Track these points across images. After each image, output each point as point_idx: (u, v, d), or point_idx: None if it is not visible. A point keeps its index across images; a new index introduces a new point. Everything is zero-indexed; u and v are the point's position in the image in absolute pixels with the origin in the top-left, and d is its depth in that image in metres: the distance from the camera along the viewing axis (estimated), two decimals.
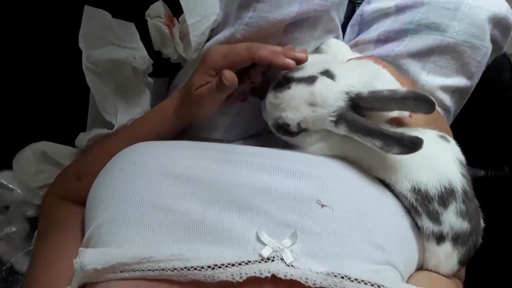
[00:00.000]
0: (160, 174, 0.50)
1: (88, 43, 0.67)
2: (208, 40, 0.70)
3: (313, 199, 0.49)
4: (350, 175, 0.54)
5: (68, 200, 0.64)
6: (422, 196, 0.53)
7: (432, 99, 0.51)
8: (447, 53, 0.69)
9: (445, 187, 0.53)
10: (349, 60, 0.65)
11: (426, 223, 0.54)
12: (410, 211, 0.55)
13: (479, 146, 0.91)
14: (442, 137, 0.58)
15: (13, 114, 0.75)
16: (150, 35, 0.70)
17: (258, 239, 0.45)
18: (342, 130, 0.53)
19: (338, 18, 0.72)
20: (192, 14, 0.67)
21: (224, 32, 0.68)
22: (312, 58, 0.59)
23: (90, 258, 0.44)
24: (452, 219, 0.53)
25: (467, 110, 0.89)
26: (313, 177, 0.51)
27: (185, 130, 0.70)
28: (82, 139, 0.71)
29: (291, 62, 0.57)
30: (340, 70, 0.57)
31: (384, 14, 0.76)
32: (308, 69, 0.58)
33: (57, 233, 0.59)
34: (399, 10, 0.74)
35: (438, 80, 0.70)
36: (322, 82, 0.55)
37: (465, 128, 0.91)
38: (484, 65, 0.72)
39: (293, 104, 0.55)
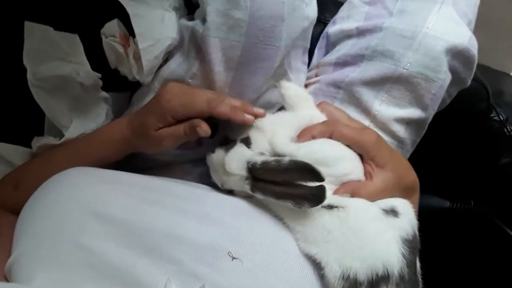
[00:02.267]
0: (81, 210, 0.51)
1: (33, 59, 0.66)
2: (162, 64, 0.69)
3: (225, 250, 0.49)
4: (267, 225, 0.54)
5: (3, 208, 0.64)
6: (350, 283, 0.49)
7: (316, 168, 0.49)
8: (400, 83, 0.67)
9: (377, 274, 0.49)
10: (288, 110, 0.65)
11: None
12: None
13: (448, 176, 0.89)
14: (389, 211, 0.55)
15: None
16: (106, 54, 0.69)
17: None
18: (259, 196, 0.55)
19: (298, 58, 0.71)
20: (145, 38, 0.65)
21: (176, 61, 0.67)
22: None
23: None
24: None
25: (441, 137, 0.86)
26: (229, 226, 0.52)
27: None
28: (34, 144, 0.71)
29: (250, 118, 0.59)
30: (259, 136, 0.60)
31: (347, 36, 0.74)
32: (237, 133, 0.62)
33: None
34: (360, 33, 0.72)
35: (391, 110, 0.68)
36: (235, 150, 0.59)
37: (437, 156, 0.89)
38: (441, 97, 0.69)
39: (214, 167, 0.62)
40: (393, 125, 0.69)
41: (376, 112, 0.68)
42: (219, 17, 0.61)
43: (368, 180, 0.59)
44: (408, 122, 0.69)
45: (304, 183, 0.51)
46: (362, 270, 0.49)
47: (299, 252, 0.53)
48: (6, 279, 0.51)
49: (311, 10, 0.69)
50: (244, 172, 0.56)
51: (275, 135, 0.59)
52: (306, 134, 0.60)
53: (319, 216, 0.53)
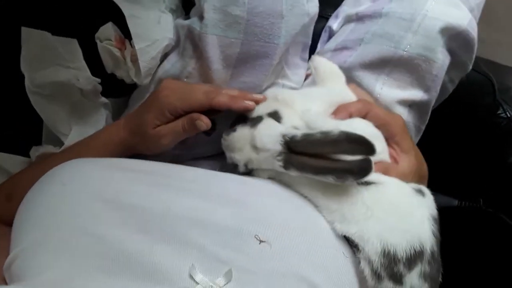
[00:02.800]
0: (90, 198, 0.47)
1: (30, 66, 0.65)
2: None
3: (252, 233, 0.46)
4: (294, 207, 0.52)
5: None
6: (390, 260, 0.49)
7: (369, 140, 0.47)
8: (401, 66, 0.66)
9: (415, 250, 0.49)
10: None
11: (387, 285, 0.49)
12: (371, 274, 0.49)
13: (456, 174, 0.87)
14: (418, 191, 0.55)
15: None
16: (102, 58, 0.68)
17: (191, 276, 0.43)
18: (293, 172, 0.51)
19: (296, 54, 0.70)
20: (141, 39, 0.64)
21: (171, 60, 0.66)
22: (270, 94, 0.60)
23: None
24: (414, 280, 0.50)
25: (447, 133, 0.85)
26: (253, 208, 0.49)
27: None
28: (33, 153, 0.70)
29: (251, 103, 0.57)
30: (288, 111, 0.57)
31: (347, 21, 0.74)
32: (258, 109, 0.58)
33: None
34: (359, 18, 0.71)
35: (393, 92, 0.67)
36: (264, 125, 0.55)
37: (444, 154, 0.87)
38: (441, 78, 0.68)
39: (238, 146, 0.57)
40: (396, 107, 0.67)
41: (378, 95, 0.67)
42: (217, 14, 0.60)
43: (394, 163, 0.58)
44: (410, 105, 0.68)
45: (347, 157, 0.48)
46: (401, 245, 0.49)
47: (331, 234, 0.50)
48: (5, 281, 0.48)
49: (312, 6, 0.68)
50: (278, 147, 0.51)
51: (308, 110, 0.56)
52: (343, 111, 0.58)
53: (357, 193, 0.51)
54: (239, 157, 0.57)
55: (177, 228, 0.46)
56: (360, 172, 0.47)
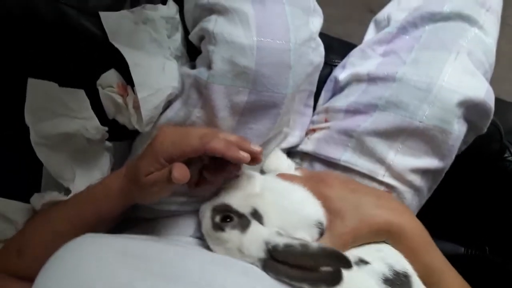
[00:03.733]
0: None
1: (35, 117, 0.63)
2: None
3: None
4: None
5: (7, 273, 0.61)
6: None
7: (347, 257, 0.49)
8: (416, 136, 0.64)
9: None
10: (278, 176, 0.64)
11: None
12: None
13: (462, 221, 0.85)
14: (359, 262, 0.57)
15: None
16: (103, 105, 0.67)
17: None
18: (271, 276, 0.53)
19: (301, 102, 0.69)
20: (144, 87, 0.63)
21: (175, 108, 0.65)
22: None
23: None
24: None
25: (453, 180, 0.83)
26: None
27: None
28: (36, 201, 0.68)
29: (245, 155, 0.55)
30: (266, 208, 0.58)
31: (356, 80, 0.72)
32: (241, 203, 0.59)
33: None
34: (371, 80, 0.69)
35: (407, 160, 0.65)
36: (253, 231, 0.56)
37: (450, 201, 0.86)
38: (458, 147, 0.67)
39: (226, 246, 0.57)
40: (409, 175, 0.66)
41: (391, 162, 0.65)
42: (225, 65, 0.59)
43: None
44: (424, 171, 0.67)
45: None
46: None
47: None
48: None
49: (316, 55, 0.67)
50: (262, 254, 0.53)
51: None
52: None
53: None
54: (222, 253, 0.57)
55: None
56: (332, 281, 0.50)
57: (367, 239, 0.59)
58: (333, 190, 0.62)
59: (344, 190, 0.62)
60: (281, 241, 0.53)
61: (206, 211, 0.59)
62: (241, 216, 0.57)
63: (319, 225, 0.58)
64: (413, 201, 0.69)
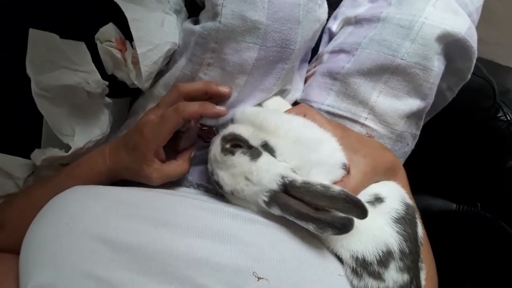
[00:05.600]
0: (94, 239, 0.48)
1: (36, 68, 0.62)
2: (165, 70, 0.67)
3: (250, 271, 0.47)
4: (286, 237, 0.52)
5: None
6: (361, 263, 0.54)
7: (364, 205, 0.49)
8: (398, 74, 0.66)
9: (382, 251, 0.54)
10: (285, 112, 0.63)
11: (370, 282, 0.54)
12: (351, 272, 0.54)
13: (454, 178, 0.87)
14: (375, 200, 0.57)
15: None
16: (102, 59, 0.66)
17: None
18: (274, 211, 0.52)
19: (302, 59, 0.70)
20: (143, 43, 0.63)
21: (180, 66, 0.65)
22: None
23: None
24: (394, 275, 0.54)
25: (445, 137, 0.85)
26: (250, 244, 0.49)
27: None
28: (37, 156, 0.68)
29: (222, 109, 0.58)
30: (279, 142, 0.56)
31: (346, 24, 0.74)
32: (250, 135, 0.58)
33: None
34: (358, 21, 0.71)
35: (389, 101, 0.67)
36: (264, 162, 0.54)
37: (442, 158, 0.88)
38: (437, 84, 0.68)
39: (232, 171, 0.56)
40: (391, 117, 0.67)
41: (374, 103, 0.66)
42: (235, 20, 0.59)
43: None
44: (407, 116, 0.68)
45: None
46: (367, 251, 0.53)
47: (324, 260, 0.52)
48: None
49: (322, 12, 0.68)
50: (273, 185, 0.52)
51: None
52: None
53: None
54: (227, 181, 0.56)
55: (179, 268, 0.47)
56: (341, 228, 0.49)
57: (379, 177, 0.61)
58: (345, 131, 0.62)
59: (349, 131, 0.64)
60: (298, 177, 0.52)
61: (216, 139, 0.59)
62: (251, 146, 0.56)
63: (343, 166, 0.58)
64: (395, 146, 0.70)
